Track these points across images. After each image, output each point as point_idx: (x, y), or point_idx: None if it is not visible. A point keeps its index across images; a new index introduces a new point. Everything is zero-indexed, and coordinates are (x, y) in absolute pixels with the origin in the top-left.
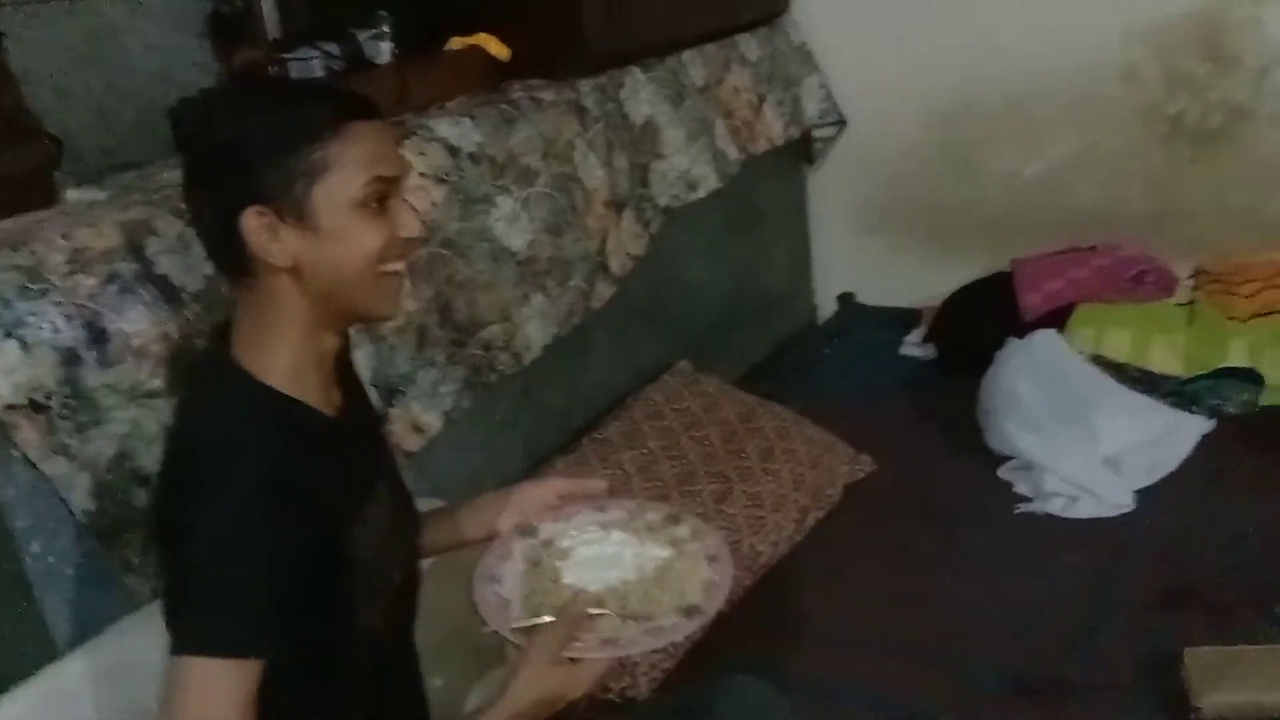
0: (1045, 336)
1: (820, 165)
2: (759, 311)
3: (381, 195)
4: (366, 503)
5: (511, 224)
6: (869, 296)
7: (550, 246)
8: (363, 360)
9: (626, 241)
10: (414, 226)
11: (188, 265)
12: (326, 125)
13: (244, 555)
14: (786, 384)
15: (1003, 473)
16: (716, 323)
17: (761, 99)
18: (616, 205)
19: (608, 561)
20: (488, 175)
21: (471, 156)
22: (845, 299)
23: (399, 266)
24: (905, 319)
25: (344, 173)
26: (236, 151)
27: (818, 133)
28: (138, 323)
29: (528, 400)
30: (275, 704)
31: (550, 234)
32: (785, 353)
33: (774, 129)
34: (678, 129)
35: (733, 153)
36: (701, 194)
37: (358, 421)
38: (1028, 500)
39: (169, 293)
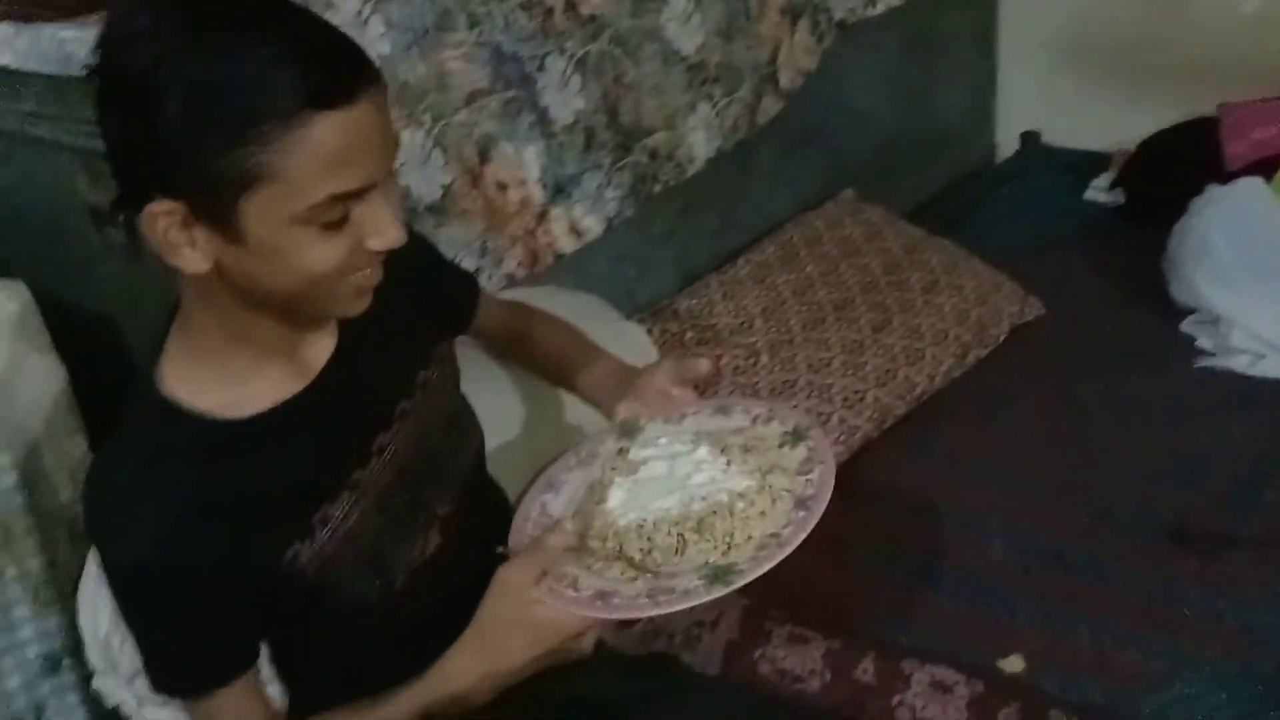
0: (1249, 184)
1: None
2: (932, 146)
3: (340, 210)
4: (342, 484)
5: (683, 24)
6: (1055, 136)
7: (720, 51)
8: (531, 156)
9: (799, 54)
10: (389, 235)
11: (365, 42)
12: (276, 115)
13: (170, 616)
14: (956, 223)
15: (1185, 326)
16: (885, 154)
17: None
18: (792, 14)
19: (671, 484)
20: None
21: None
22: (1029, 137)
23: (366, 271)
24: (1093, 162)
25: (285, 188)
26: (142, 120)
27: None
28: None
29: (685, 218)
30: (316, 662)
31: (721, 38)
32: (958, 191)
33: None
34: None
35: None
36: (880, 9)
37: (355, 368)
38: (1209, 355)
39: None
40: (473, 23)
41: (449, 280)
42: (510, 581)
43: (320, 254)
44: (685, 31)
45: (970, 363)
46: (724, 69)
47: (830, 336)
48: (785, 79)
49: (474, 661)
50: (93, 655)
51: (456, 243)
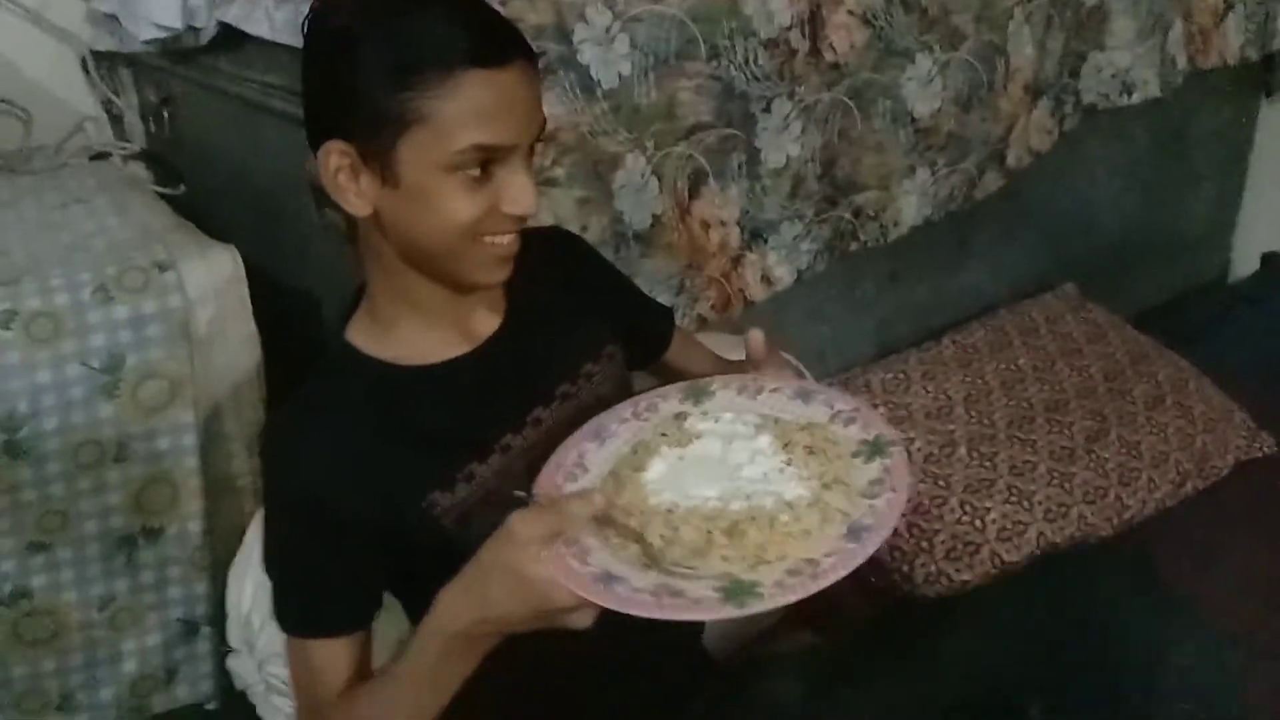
0: None
1: None
2: (1165, 251)
3: (483, 162)
4: (493, 445)
5: (924, 86)
6: None
7: (954, 120)
8: (733, 197)
9: (1032, 134)
10: (524, 202)
11: (607, 60)
12: (437, 65)
13: (308, 550)
14: (1183, 339)
15: None
16: (1114, 253)
17: (1229, 6)
18: (1035, 91)
19: (719, 471)
20: (915, 27)
21: (904, 3)
22: (1271, 259)
23: (502, 239)
24: None
25: (437, 132)
26: (335, 64)
27: None
28: (552, 105)
29: (892, 286)
30: None
31: (959, 106)
32: (1187, 305)
33: (1231, 44)
34: (1130, 20)
35: (1181, 61)
36: (1136, 100)
37: (520, 342)
38: None
39: (586, 84)
40: (713, 54)
41: (645, 309)
42: (517, 532)
43: (461, 205)
44: (924, 94)
45: (1188, 493)
46: (953, 138)
47: (1038, 439)
48: (1012, 157)
49: (466, 601)
50: (233, 632)
51: (658, 275)
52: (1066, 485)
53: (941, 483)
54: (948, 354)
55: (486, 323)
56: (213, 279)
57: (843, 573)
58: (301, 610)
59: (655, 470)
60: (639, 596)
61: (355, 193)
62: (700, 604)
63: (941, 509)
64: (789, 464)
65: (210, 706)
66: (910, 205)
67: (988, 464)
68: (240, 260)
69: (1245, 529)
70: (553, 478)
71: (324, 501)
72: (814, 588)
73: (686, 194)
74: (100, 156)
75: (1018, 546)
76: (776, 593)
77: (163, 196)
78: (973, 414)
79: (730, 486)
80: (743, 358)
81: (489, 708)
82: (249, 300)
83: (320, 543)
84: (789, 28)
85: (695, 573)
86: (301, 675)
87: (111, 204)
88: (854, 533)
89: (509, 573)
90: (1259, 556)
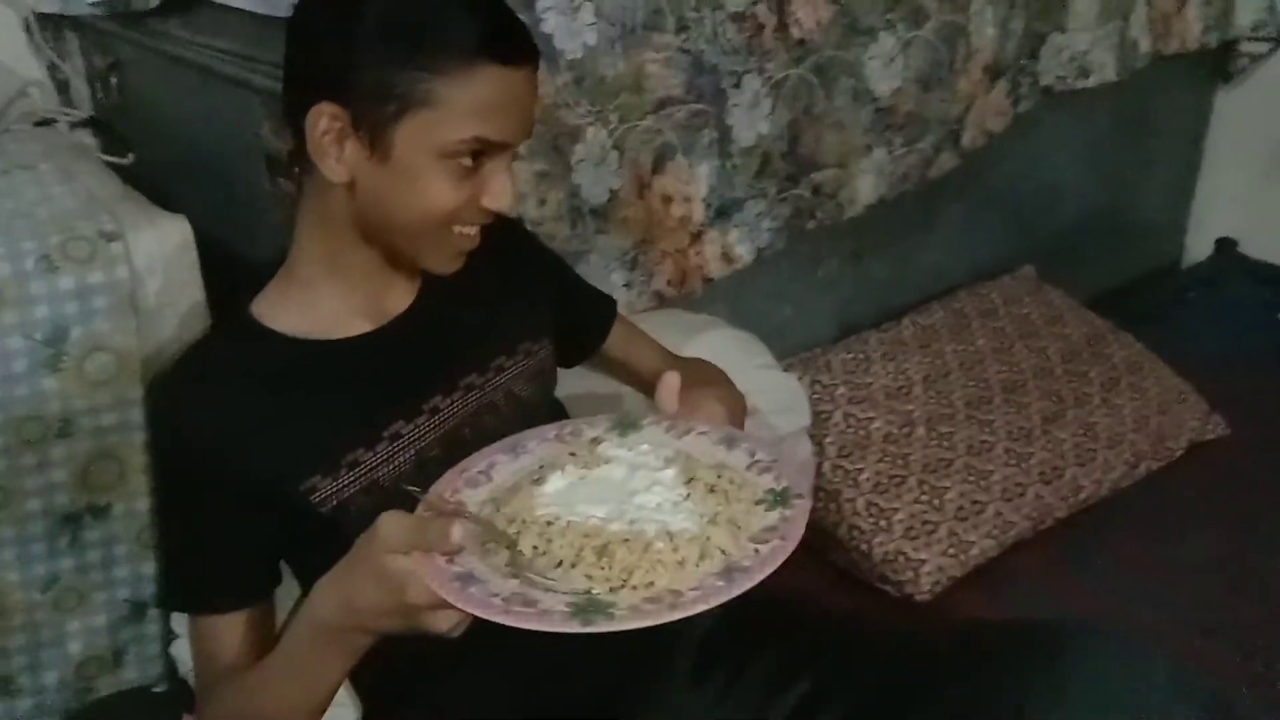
0: None
1: (1236, 86)
2: (1122, 235)
3: (476, 154)
4: (382, 432)
5: (885, 65)
6: (1254, 248)
7: (913, 100)
8: (702, 174)
9: (988, 115)
10: (504, 200)
11: (572, 30)
12: (454, 53)
13: (195, 515)
14: (1138, 323)
15: None
16: (1071, 236)
17: None
18: (993, 72)
19: (614, 494)
20: (880, 5)
21: None
22: (1225, 244)
23: (470, 230)
24: None
25: (443, 116)
26: (342, 25)
27: (1245, 47)
28: None
29: (853, 266)
30: None
31: (919, 86)
32: (1143, 288)
33: (1192, 30)
34: (1092, 2)
35: (1144, 45)
36: (1093, 83)
37: (428, 326)
38: None
39: (549, 54)
40: (681, 26)
41: (583, 296)
42: (381, 530)
43: (445, 192)
44: (886, 73)
45: (1141, 474)
46: (912, 118)
47: (996, 419)
48: (968, 138)
49: (333, 592)
50: (176, 618)
51: (613, 251)
52: (1024, 465)
53: (900, 462)
54: (907, 334)
55: (398, 303)
56: (162, 250)
57: (701, 608)
58: (185, 585)
59: (552, 485)
60: (490, 600)
61: (337, 158)
62: (548, 616)
63: (900, 488)
64: (688, 498)
65: (159, 689)
66: (867, 184)
67: (946, 444)
68: (190, 230)
69: (1199, 509)
70: (453, 481)
71: (208, 464)
72: (668, 617)
73: (649, 169)
74: (45, 123)
75: (975, 526)
76: (629, 616)
77: (110, 165)
78: (932, 394)
79: (618, 509)
80: (696, 353)
81: (457, 679)
82: (199, 271)
83: (202, 513)
84: (756, 1)
85: (555, 585)
86: (196, 651)
87: (57, 172)
88: (728, 572)
89: (369, 562)
90: (1212, 536)
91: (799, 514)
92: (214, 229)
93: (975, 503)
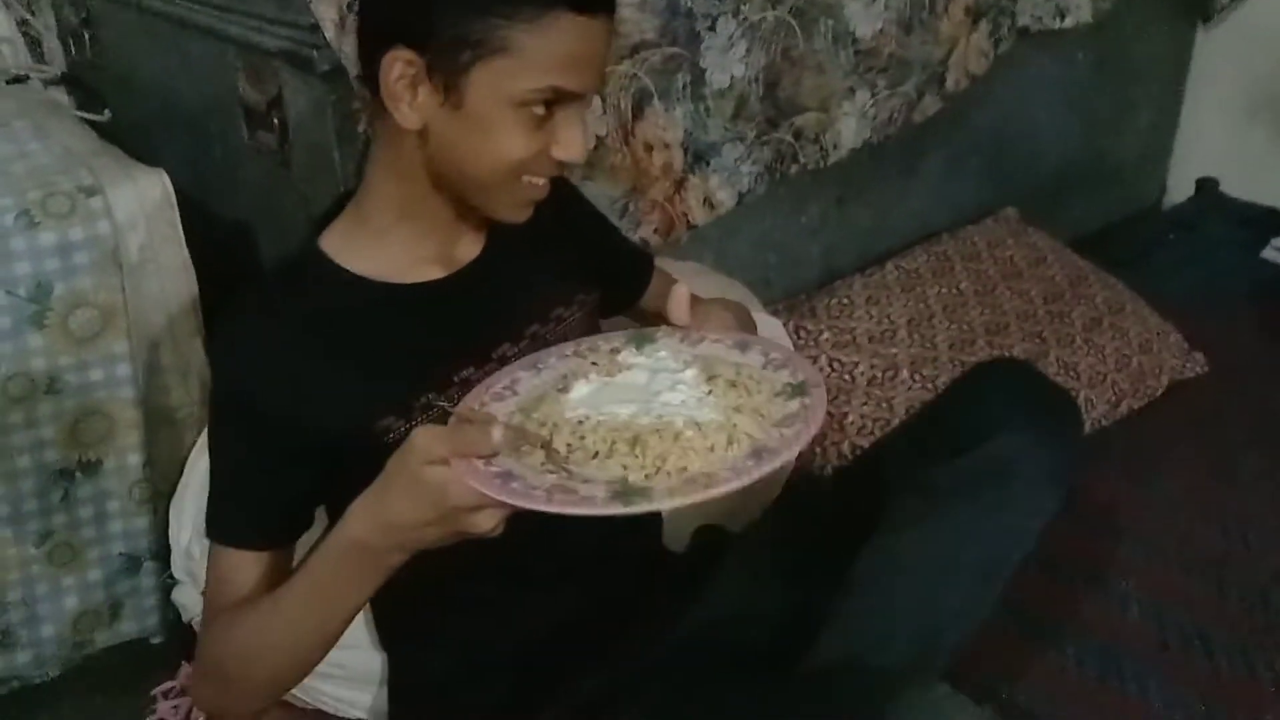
0: None
1: (1216, 26)
2: (1104, 177)
3: (551, 103)
4: (453, 377)
5: (866, 6)
6: (1234, 187)
7: (895, 42)
8: (678, 118)
9: (970, 57)
10: (575, 151)
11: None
12: (532, 1)
13: (230, 452)
14: (1120, 264)
15: None
16: (1054, 179)
17: None
18: (975, 14)
19: (639, 395)
20: None
21: None
22: (1205, 185)
23: (540, 181)
24: (1274, 220)
25: (519, 65)
26: None
27: None
28: None
29: (838, 211)
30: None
31: (900, 28)
32: (1124, 230)
33: None
34: None
35: None
36: (1069, 24)
37: (496, 276)
38: None
39: None
40: None
41: (625, 254)
42: (417, 443)
43: (517, 141)
44: (866, 15)
45: (1123, 413)
46: (894, 60)
47: (979, 361)
48: (951, 80)
49: (369, 509)
50: (176, 564)
51: (601, 199)
52: None
53: (885, 405)
54: (891, 279)
55: (467, 251)
56: (142, 204)
57: (736, 485)
58: (221, 514)
59: (578, 392)
60: (532, 492)
61: (410, 104)
62: (589, 501)
63: (885, 431)
64: (710, 393)
65: (156, 640)
66: (850, 127)
67: (930, 386)
68: (169, 184)
69: (1178, 447)
70: (479, 395)
71: (264, 407)
72: (704, 496)
73: (630, 115)
74: (17, 80)
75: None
76: (666, 496)
77: (86, 121)
78: (915, 337)
79: (645, 407)
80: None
81: (444, 619)
82: (180, 226)
83: (251, 449)
84: None
85: (593, 475)
86: (210, 579)
87: (32, 128)
88: (757, 453)
89: (406, 476)
90: (1191, 472)
91: (818, 400)
92: (193, 184)
93: None
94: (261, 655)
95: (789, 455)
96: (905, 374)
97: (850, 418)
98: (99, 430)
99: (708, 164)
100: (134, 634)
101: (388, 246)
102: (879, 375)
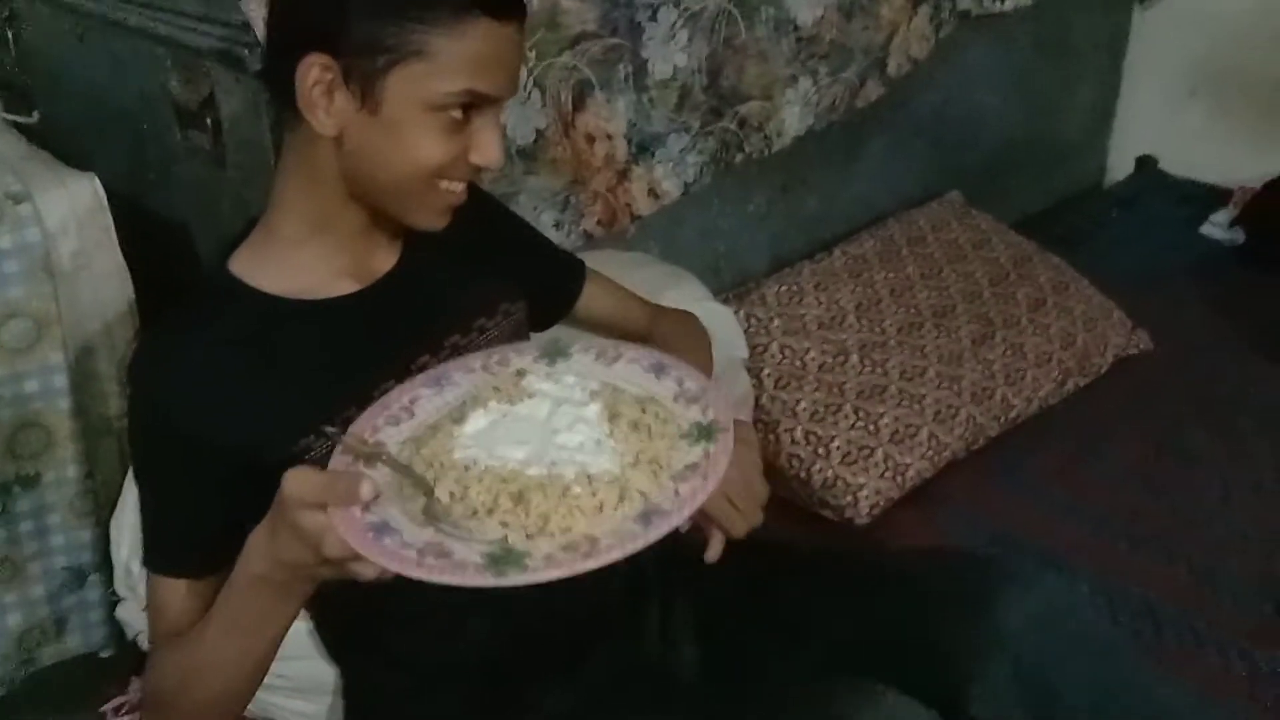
0: None
1: (1152, 5)
2: (1045, 158)
3: (467, 107)
4: (373, 391)
5: None
6: (1173, 165)
7: (836, 29)
8: (620, 110)
9: (912, 41)
10: (491, 155)
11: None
12: (447, 6)
13: (155, 479)
14: (1063, 242)
15: None
16: (996, 161)
17: None
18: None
19: (536, 433)
20: None
21: None
22: (1145, 163)
23: (457, 187)
24: (1213, 197)
25: (435, 68)
26: None
27: None
28: None
29: (783, 199)
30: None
31: (841, 14)
32: (1066, 209)
33: None
34: None
35: None
36: (1009, 6)
37: (413, 286)
38: None
39: None
40: None
41: (552, 262)
42: (287, 490)
43: (433, 146)
44: (807, 2)
45: (1069, 390)
46: (836, 47)
47: (927, 344)
48: (893, 65)
49: (263, 543)
50: (119, 580)
51: (542, 192)
52: (955, 387)
53: (835, 390)
54: (839, 265)
55: (382, 263)
56: (73, 209)
57: (617, 555)
58: (152, 544)
59: (473, 424)
60: (404, 553)
61: (326, 110)
62: (461, 568)
63: (836, 416)
64: (610, 435)
65: (105, 654)
66: (793, 115)
67: (879, 370)
68: (101, 189)
69: (1125, 422)
70: (373, 419)
71: (184, 431)
72: (583, 566)
73: (570, 106)
74: None
75: (910, 448)
76: (543, 566)
77: (13, 125)
78: (864, 322)
79: (539, 450)
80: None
81: (388, 635)
82: (114, 231)
83: (175, 475)
84: None
85: (471, 534)
86: (149, 607)
87: None
88: (645, 516)
89: (285, 520)
90: (1137, 447)
91: (721, 449)
92: (126, 186)
93: (909, 426)
94: (194, 684)
95: (677, 521)
96: (855, 359)
97: (802, 404)
98: (37, 443)
99: (652, 154)
100: (81, 649)
101: (300, 262)
102: (829, 361)
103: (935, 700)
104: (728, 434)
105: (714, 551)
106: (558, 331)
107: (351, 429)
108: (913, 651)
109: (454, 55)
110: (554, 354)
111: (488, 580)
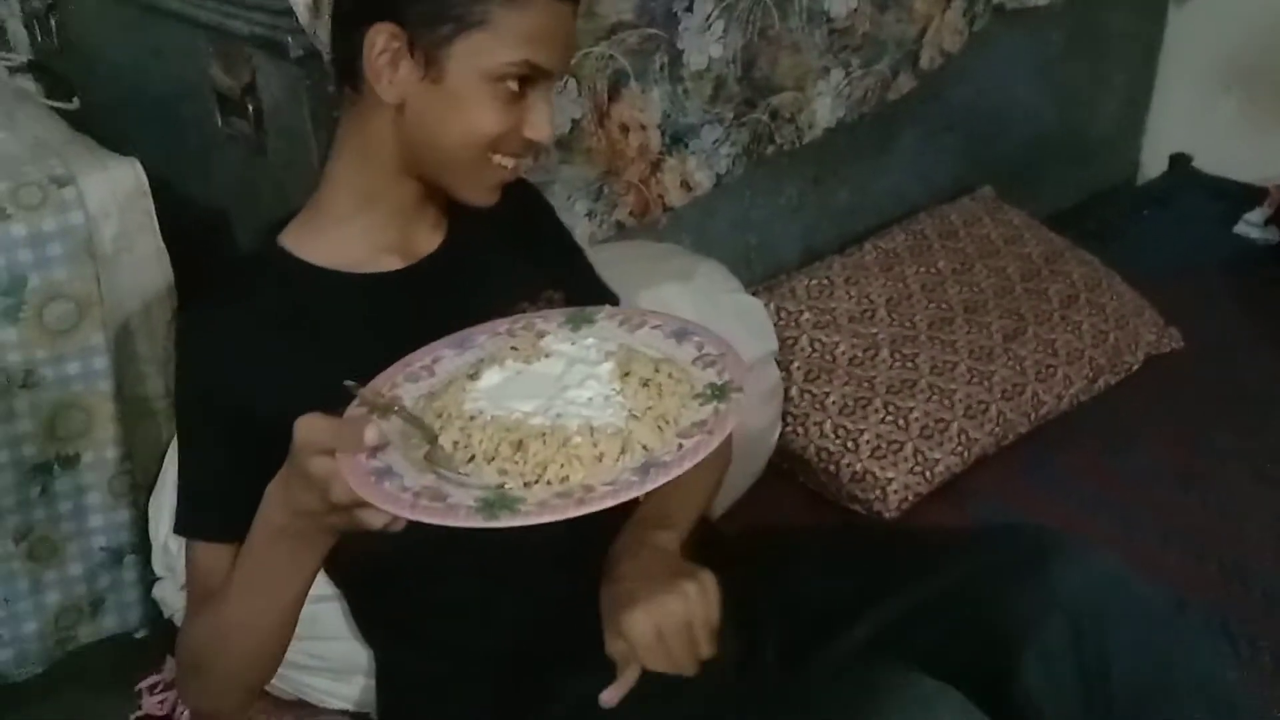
0: None
1: (1188, 1)
2: (1079, 153)
3: (525, 80)
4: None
5: None
6: (1207, 163)
7: (869, 21)
8: (655, 100)
9: (945, 34)
10: (542, 130)
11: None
12: None
13: (195, 445)
14: (1095, 238)
15: None
16: (1029, 155)
17: None
18: None
19: (547, 388)
20: None
21: None
22: (1179, 160)
23: (509, 163)
24: (1247, 195)
25: (497, 39)
26: None
27: None
28: None
29: (815, 191)
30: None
31: (875, 6)
32: (1098, 205)
33: None
34: None
35: None
36: (1043, 1)
37: (458, 267)
38: None
39: None
40: None
41: (590, 283)
42: (299, 434)
43: (492, 116)
44: None
45: (1100, 388)
46: (868, 39)
47: (958, 339)
48: (925, 58)
49: (278, 494)
50: (156, 559)
51: (576, 182)
52: (986, 383)
53: (865, 384)
54: (870, 259)
55: (427, 243)
56: (114, 194)
57: (611, 502)
58: (190, 509)
59: (487, 380)
60: (399, 495)
61: (391, 79)
62: (454, 510)
63: (866, 410)
64: (619, 392)
65: (140, 635)
66: (825, 106)
67: (910, 365)
68: (143, 173)
69: (1155, 419)
70: (393, 376)
71: (228, 396)
72: (575, 511)
73: (606, 97)
74: None
75: (940, 443)
76: (536, 510)
77: (55, 110)
78: (894, 316)
79: (547, 403)
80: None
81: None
82: (154, 215)
83: (218, 440)
84: None
85: (468, 480)
86: (188, 575)
87: (0, 117)
88: (645, 467)
89: (297, 466)
90: (1168, 444)
91: (732, 408)
92: (166, 172)
93: (939, 421)
94: (224, 644)
95: (677, 471)
96: (885, 353)
97: (831, 397)
98: (77, 424)
99: (686, 145)
100: (117, 629)
101: (346, 236)
102: (859, 355)
103: (983, 677)
104: (740, 395)
105: (611, 694)
106: None
107: (371, 383)
108: (962, 627)
109: (515, 27)
110: (580, 320)
111: (478, 522)
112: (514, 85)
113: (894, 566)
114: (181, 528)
